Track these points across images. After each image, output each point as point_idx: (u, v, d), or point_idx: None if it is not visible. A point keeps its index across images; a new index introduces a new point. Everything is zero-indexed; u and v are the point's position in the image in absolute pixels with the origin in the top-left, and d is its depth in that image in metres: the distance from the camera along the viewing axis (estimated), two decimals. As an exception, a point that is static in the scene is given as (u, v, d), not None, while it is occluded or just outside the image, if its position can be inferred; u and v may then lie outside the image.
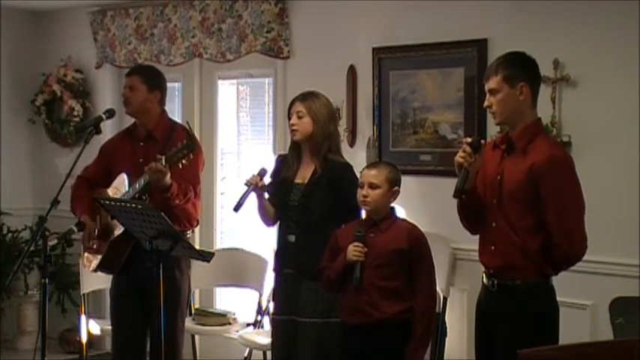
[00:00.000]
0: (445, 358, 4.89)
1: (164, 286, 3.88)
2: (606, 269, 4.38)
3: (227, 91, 6.44)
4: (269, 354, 4.79)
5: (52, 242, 4.37)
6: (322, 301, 4.13)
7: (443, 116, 5.07)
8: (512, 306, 3.59)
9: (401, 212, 4.33)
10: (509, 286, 3.60)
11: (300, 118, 4.23)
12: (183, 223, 4.45)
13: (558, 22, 4.59)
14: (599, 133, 4.48)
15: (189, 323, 5.47)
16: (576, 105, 4.54)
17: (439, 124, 5.09)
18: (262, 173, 4.22)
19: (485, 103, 3.66)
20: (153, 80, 4.61)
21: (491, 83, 3.62)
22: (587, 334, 4.40)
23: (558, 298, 3.65)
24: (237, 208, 4.15)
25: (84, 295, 5.71)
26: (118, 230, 4.35)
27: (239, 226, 6.25)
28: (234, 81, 6.39)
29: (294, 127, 4.23)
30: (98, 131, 4.51)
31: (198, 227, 4.99)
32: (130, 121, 4.79)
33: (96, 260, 4.50)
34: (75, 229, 4.32)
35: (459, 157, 3.60)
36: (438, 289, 4.07)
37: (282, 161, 4.39)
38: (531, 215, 3.56)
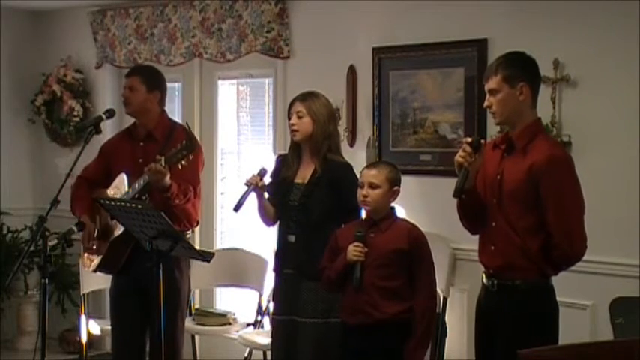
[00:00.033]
0: (445, 358, 4.89)
1: (164, 286, 3.88)
2: (606, 269, 4.38)
3: (227, 91, 6.44)
4: (269, 354, 4.79)
5: (52, 242, 4.37)
6: (322, 301, 4.13)
7: (443, 116, 5.07)
8: (512, 306, 3.59)
9: (401, 212, 4.33)
10: (509, 286, 3.60)
11: (300, 118, 4.23)
12: (183, 223, 4.45)
13: (558, 22, 4.59)
14: (599, 133, 4.48)
15: (189, 323, 5.48)
16: (576, 105, 4.54)
17: (439, 124, 5.09)
18: (262, 173, 4.22)
19: (485, 103, 3.67)
20: (152, 80, 4.61)
21: (491, 83, 3.62)
22: (587, 334, 4.40)
23: (558, 298, 3.65)
24: (237, 208, 4.15)
25: (84, 295, 5.71)
26: (118, 230, 4.35)
27: (239, 226, 6.25)
28: (234, 81, 6.39)
29: (294, 127, 4.23)
30: (98, 131, 4.51)
31: (198, 227, 4.99)
32: (129, 121, 4.79)
33: (96, 260, 4.50)
34: (75, 229, 4.33)
35: (459, 157, 3.61)
36: (438, 289, 4.07)
37: (282, 161, 4.39)
38: (531, 215, 3.56)
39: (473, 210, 3.71)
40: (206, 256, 3.98)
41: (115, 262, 4.47)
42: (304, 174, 4.26)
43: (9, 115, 7.18)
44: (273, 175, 4.33)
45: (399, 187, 3.92)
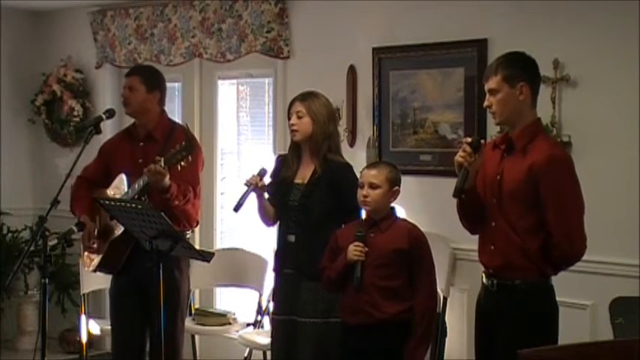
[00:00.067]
0: (445, 358, 4.89)
1: (164, 286, 3.88)
2: (606, 269, 4.38)
3: (227, 91, 6.44)
4: (269, 354, 4.79)
5: (52, 242, 4.37)
6: (322, 301, 4.13)
7: (443, 116, 5.07)
8: (511, 306, 3.59)
9: (401, 212, 4.33)
10: (509, 285, 3.60)
11: (299, 118, 4.23)
12: (182, 223, 4.45)
13: (558, 22, 4.59)
14: (599, 133, 4.47)
15: (189, 323, 5.48)
16: (576, 105, 4.54)
17: (439, 124, 5.09)
18: (262, 173, 4.22)
19: (485, 103, 3.67)
20: (152, 80, 4.61)
21: (491, 83, 3.62)
22: (587, 334, 4.40)
23: (558, 298, 3.65)
24: (237, 209, 4.15)
25: (84, 295, 5.71)
26: (118, 230, 4.35)
27: (239, 226, 6.25)
28: (234, 81, 6.39)
29: (294, 127, 4.23)
30: (98, 131, 4.51)
31: (198, 227, 4.99)
32: (129, 121, 4.79)
33: (96, 260, 4.50)
34: (75, 229, 4.33)
35: (458, 157, 3.61)
36: (438, 289, 4.06)
37: (282, 161, 4.39)
38: (531, 215, 3.56)
39: (473, 210, 3.71)
40: (206, 256, 3.98)
41: (115, 262, 4.47)
42: (304, 174, 4.26)
43: (9, 115, 7.18)
44: (273, 175, 4.33)
45: (399, 187, 3.93)
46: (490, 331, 3.66)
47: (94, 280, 5.46)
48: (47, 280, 4.18)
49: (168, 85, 4.77)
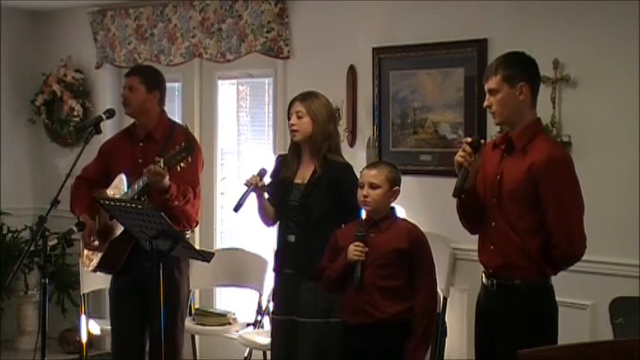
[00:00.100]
0: (445, 358, 4.89)
1: (164, 286, 3.88)
2: (606, 269, 4.38)
3: (227, 91, 6.44)
4: (269, 354, 4.79)
5: (52, 242, 4.37)
6: (322, 301, 4.13)
7: (443, 116, 5.07)
8: (511, 306, 3.59)
9: (401, 212, 4.33)
10: (509, 285, 3.60)
11: (299, 118, 4.22)
12: (182, 224, 4.45)
13: (558, 22, 4.59)
14: (599, 133, 4.47)
15: (189, 323, 5.48)
16: (576, 105, 4.54)
17: (439, 124, 5.09)
18: (262, 173, 4.22)
19: (485, 103, 3.67)
20: (152, 80, 4.61)
21: (491, 83, 3.62)
22: (587, 334, 4.40)
23: (558, 298, 3.65)
24: (237, 209, 4.15)
25: (84, 295, 5.71)
26: (118, 230, 4.35)
27: (239, 226, 6.25)
28: (234, 81, 6.39)
29: (294, 127, 4.23)
30: (98, 131, 4.51)
31: (198, 227, 4.99)
32: (129, 121, 4.79)
33: (96, 260, 4.50)
34: (75, 229, 4.34)
35: (458, 157, 3.61)
36: (438, 289, 4.06)
37: (281, 161, 4.39)
38: (531, 215, 3.56)
39: (472, 210, 3.71)
40: (206, 256, 3.98)
41: (115, 262, 4.47)
42: (304, 174, 4.26)
43: (9, 115, 7.18)
44: (273, 175, 4.33)
45: (399, 187, 3.93)
46: (490, 331, 3.66)
47: (94, 280, 5.46)
48: (47, 280, 4.18)
49: (168, 85, 4.77)
